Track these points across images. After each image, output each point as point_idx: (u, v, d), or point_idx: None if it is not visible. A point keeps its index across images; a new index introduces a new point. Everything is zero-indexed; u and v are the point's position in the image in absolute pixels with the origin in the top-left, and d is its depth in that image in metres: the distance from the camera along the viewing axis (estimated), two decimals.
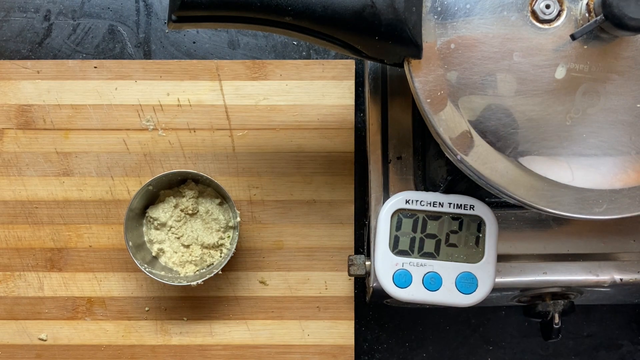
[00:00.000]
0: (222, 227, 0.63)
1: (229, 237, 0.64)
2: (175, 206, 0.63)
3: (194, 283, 0.61)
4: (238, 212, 0.62)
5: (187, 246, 0.63)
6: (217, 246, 0.63)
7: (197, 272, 0.63)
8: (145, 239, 0.64)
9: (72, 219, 0.66)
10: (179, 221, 0.63)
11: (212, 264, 0.63)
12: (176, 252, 0.63)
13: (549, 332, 0.59)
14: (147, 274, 0.60)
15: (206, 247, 0.63)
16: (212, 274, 0.61)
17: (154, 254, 0.64)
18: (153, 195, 0.64)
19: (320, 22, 0.45)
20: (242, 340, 0.65)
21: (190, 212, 0.63)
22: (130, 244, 0.61)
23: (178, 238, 0.63)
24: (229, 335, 0.65)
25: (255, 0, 0.44)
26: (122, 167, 0.66)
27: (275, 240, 0.66)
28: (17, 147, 0.66)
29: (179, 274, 0.63)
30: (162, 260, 0.64)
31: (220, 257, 0.63)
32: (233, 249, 0.61)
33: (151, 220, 0.64)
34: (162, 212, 0.63)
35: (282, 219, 0.66)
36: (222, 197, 0.64)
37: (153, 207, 0.64)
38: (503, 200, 0.53)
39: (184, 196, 0.64)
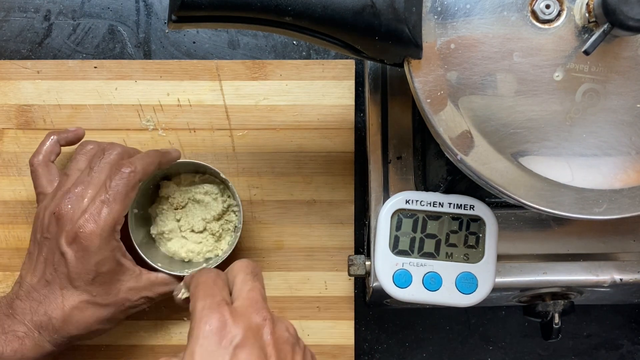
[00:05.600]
0: (221, 204, 0.63)
1: (234, 212, 0.63)
2: (169, 207, 0.63)
3: (183, 273, 0.60)
4: (238, 196, 0.61)
5: (197, 233, 0.63)
6: (223, 219, 0.63)
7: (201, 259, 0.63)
8: (154, 231, 0.63)
9: None
10: (180, 216, 0.63)
11: (217, 255, 0.63)
12: (185, 242, 0.63)
13: (549, 332, 0.59)
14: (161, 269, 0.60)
15: (212, 234, 0.63)
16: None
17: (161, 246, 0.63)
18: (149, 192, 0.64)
19: (320, 22, 0.45)
20: None
21: (182, 205, 0.63)
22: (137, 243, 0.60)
23: (184, 231, 0.63)
24: None
25: (255, 0, 0.44)
26: None
27: (275, 240, 0.66)
28: (17, 147, 0.66)
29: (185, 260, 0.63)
30: (165, 249, 0.63)
31: (222, 251, 0.63)
32: (233, 246, 0.61)
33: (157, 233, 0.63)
34: (162, 223, 0.63)
35: (282, 219, 0.66)
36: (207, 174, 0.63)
37: (154, 226, 0.63)
38: (503, 200, 0.53)
39: (169, 196, 0.63)
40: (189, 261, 0.63)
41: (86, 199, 0.55)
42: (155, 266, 0.60)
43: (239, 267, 0.50)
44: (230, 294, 0.48)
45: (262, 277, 0.51)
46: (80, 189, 0.55)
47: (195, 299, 0.47)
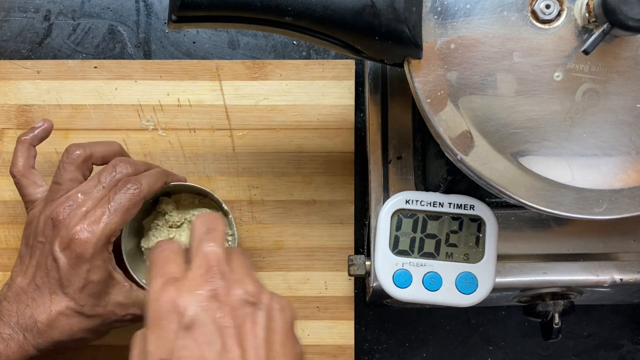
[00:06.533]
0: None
1: (227, 241, 0.62)
2: (164, 223, 0.62)
3: None
4: (228, 210, 0.60)
5: None
6: None
7: None
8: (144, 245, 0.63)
9: None
10: (174, 235, 0.62)
11: None
12: None
13: (549, 332, 0.59)
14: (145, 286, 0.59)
15: None
16: None
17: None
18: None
19: (320, 22, 0.45)
20: None
21: (177, 225, 0.62)
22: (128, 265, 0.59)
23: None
24: None
25: (255, 0, 0.44)
26: None
27: (275, 240, 0.66)
28: None
29: None
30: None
31: None
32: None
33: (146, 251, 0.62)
34: (154, 238, 0.62)
35: (282, 219, 0.66)
36: (202, 195, 0.63)
37: (145, 239, 0.62)
38: (503, 200, 0.53)
39: (166, 213, 0.62)
40: None
41: (85, 208, 0.54)
42: (140, 282, 0.58)
43: (196, 227, 0.47)
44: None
45: (222, 230, 0.47)
46: (81, 198, 0.55)
47: (149, 280, 0.46)
